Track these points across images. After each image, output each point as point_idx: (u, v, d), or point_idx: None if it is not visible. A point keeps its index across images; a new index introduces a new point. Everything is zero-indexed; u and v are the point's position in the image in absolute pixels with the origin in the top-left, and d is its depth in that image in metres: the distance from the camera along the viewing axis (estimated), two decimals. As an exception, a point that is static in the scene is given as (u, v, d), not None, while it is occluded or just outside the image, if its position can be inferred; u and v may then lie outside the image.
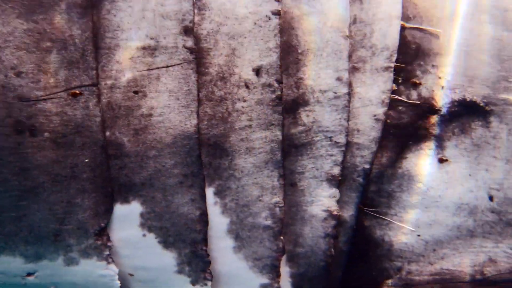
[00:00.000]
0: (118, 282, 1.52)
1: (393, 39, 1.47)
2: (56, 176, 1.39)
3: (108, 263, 1.49)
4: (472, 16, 1.49)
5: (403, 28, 1.49)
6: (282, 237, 1.54)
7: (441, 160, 1.42)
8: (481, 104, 1.48)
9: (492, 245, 1.53)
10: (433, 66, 1.48)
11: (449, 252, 1.53)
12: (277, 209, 1.52)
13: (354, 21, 1.48)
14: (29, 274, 1.50)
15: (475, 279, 1.53)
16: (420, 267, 1.55)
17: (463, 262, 1.53)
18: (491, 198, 1.44)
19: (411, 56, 1.48)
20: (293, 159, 1.51)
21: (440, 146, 1.44)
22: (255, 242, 1.55)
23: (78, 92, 1.38)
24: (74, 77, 1.38)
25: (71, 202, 1.42)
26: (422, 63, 1.48)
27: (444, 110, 1.48)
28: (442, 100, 1.47)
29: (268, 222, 1.53)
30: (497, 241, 1.53)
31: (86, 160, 1.41)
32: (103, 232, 1.46)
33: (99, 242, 1.46)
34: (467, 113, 1.47)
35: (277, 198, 1.52)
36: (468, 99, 1.47)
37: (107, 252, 1.48)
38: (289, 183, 1.50)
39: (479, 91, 1.48)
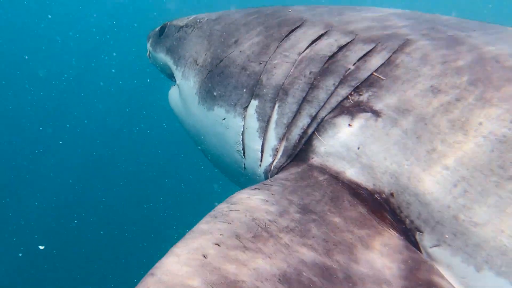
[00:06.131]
0: (241, 134, 2.44)
1: None
2: (244, 87, 2.44)
3: (243, 121, 2.42)
4: None
5: None
6: None
7: (349, 125, 1.96)
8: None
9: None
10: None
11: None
12: None
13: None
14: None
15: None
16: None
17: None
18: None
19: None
20: None
21: (353, 119, 1.99)
22: None
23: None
24: None
25: (240, 94, 2.44)
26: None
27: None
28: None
29: None
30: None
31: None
32: (246, 108, 2.41)
33: (242, 112, 2.42)
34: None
35: None
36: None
37: (243, 116, 2.42)
38: None
39: None
